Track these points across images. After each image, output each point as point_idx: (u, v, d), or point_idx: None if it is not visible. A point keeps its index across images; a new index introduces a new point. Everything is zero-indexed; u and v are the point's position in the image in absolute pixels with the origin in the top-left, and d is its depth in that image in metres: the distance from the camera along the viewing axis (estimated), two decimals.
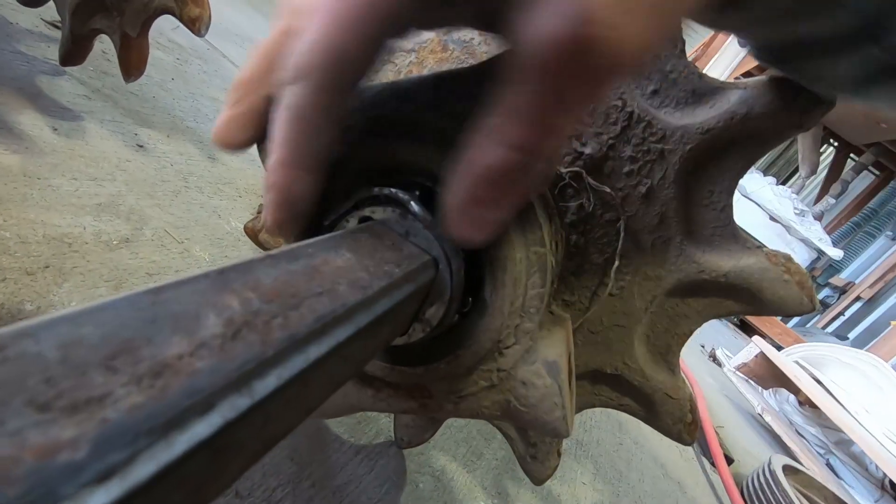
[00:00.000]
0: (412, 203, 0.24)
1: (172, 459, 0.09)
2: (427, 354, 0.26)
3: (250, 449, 0.12)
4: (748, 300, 0.34)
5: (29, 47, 0.71)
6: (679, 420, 0.37)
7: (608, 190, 0.34)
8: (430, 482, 0.47)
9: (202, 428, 0.10)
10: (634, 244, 0.35)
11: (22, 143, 0.52)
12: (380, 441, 0.48)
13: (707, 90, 0.33)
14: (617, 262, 0.35)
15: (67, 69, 0.70)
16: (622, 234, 0.34)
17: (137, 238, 0.51)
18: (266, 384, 0.12)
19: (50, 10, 0.67)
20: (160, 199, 0.59)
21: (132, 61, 0.65)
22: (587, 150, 0.34)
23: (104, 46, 0.82)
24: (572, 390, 0.27)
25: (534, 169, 0.18)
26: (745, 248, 0.34)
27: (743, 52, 2.79)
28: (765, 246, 0.34)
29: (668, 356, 0.37)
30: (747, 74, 3.18)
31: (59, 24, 0.78)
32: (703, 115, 0.33)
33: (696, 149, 0.33)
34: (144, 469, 0.09)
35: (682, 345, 0.37)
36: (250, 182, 0.77)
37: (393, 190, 0.26)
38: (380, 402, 0.28)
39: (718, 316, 0.36)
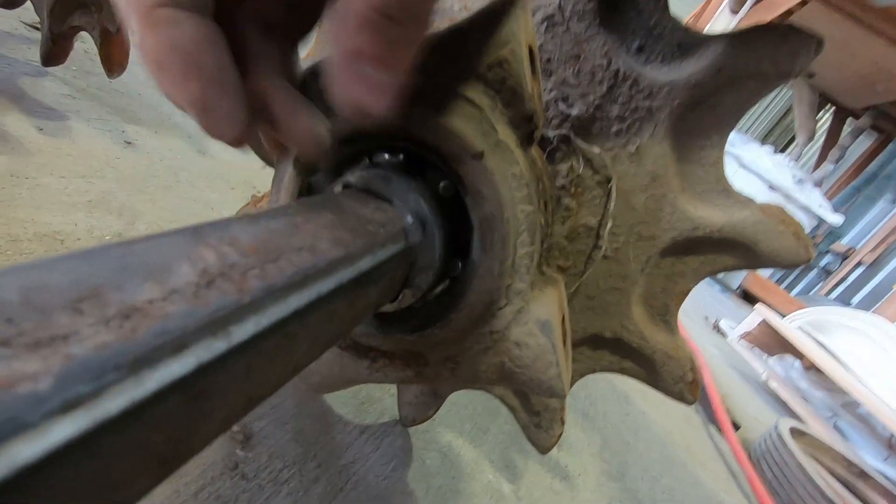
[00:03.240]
0: (396, 167, 0.24)
1: (143, 397, 0.09)
2: (421, 321, 0.26)
3: (233, 399, 0.12)
4: (744, 254, 0.34)
5: (10, 50, 0.71)
6: (680, 379, 0.37)
7: (597, 151, 0.34)
8: (437, 458, 0.48)
9: (175, 368, 0.10)
10: (627, 204, 0.35)
11: (7, 145, 0.51)
12: (385, 420, 0.48)
13: (693, 43, 0.32)
14: (610, 223, 0.35)
15: (50, 70, 0.69)
16: (613, 195, 0.34)
17: (130, 232, 0.51)
18: (244, 329, 0.12)
19: (29, 12, 0.66)
20: (152, 193, 0.59)
21: (114, 57, 0.65)
22: (574, 112, 0.34)
23: (86, 46, 0.81)
24: (567, 350, 0.27)
25: (410, 19, 0.17)
26: (737, 202, 0.33)
27: (735, 20, 2.76)
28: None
29: (666, 316, 0.37)
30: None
31: (39, 26, 0.77)
32: (690, 69, 0.32)
33: (685, 103, 0.32)
34: (113, 403, 0.08)
35: (680, 304, 0.37)
36: (242, 175, 0.76)
37: (377, 155, 0.25)
38: (376, 373, 0.28)
39: (714, 272, 0.36)
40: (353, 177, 0.23)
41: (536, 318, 0.25)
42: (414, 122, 0.23)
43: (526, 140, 0.24)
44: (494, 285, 0.24)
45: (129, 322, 0.10)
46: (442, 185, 0.24)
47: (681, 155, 0.34)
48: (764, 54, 0.30)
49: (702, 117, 0.33)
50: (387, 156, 0.25)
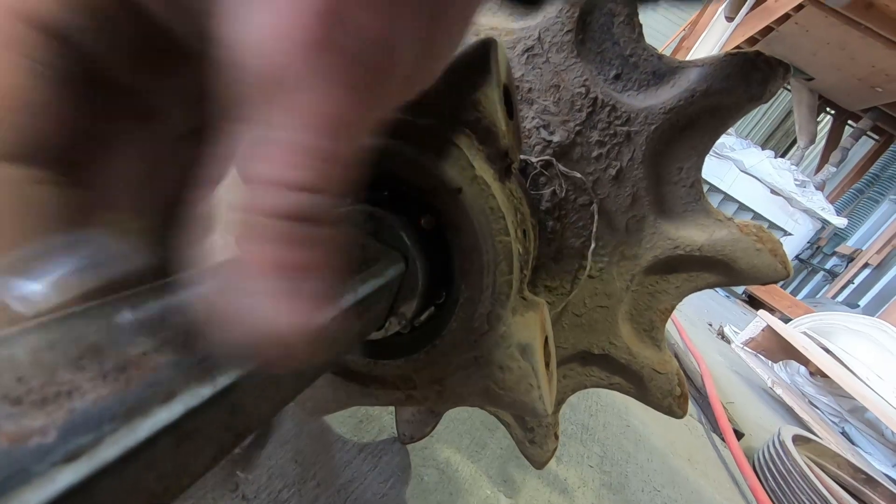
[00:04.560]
0: (380, 203, 0.25)
1: (137, 443, 0.10)
2: (408, 347, 0.27)
3: (221, 437, 0.13)
4: (724, 271, 0.35)
5: None
6: (668, 394, 0.38)
7: (578, 175, 0.35)
8: (435, 474, 0.49)
9: (164, 414, 0.11)
10: (609, 226, 0.36)
11: None
12: (383, 438, 0.49)
13: (667, 70, 0.34)
14: (593, 244, 0.36)
15: None
16: (595, 217, 0.35)
17: None
18: (228, 375, 0.13)
19: None
20: None
21: None
22: (555, 139, 0.35)
23: None
24: (552, 371, 0.28)
25: (331, 204, 0.12)
26: (716, 221, 0.35)
27: (730, 28, 2.78)
28: (734, 219, 0.34)
29: (652, 332, 0.38)
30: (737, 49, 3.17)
31: None
32: (665, 95, 0.33)
33: (661, 128, 0.33)
34: (110, 451, 0.10)
35: (665, 320, 0.38)
36: None
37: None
38: (367, 397, 0.29)
39: (697, 289, 0.37)
40: None
41: (518, 342, 0.26)
42: (395, 161, 0.24)
43: (503, 173, 0.25)
44: (476, 312, 0.25)
45: (125, 375, 0.11)
46: (423, 219, 0.25)
47: (660, 177, 0.35)
48: (736, 81, 0.32)
49: (679, 141, 0.34)
50: (369, 191, 0.26)
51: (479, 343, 0.26)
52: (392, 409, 0.52)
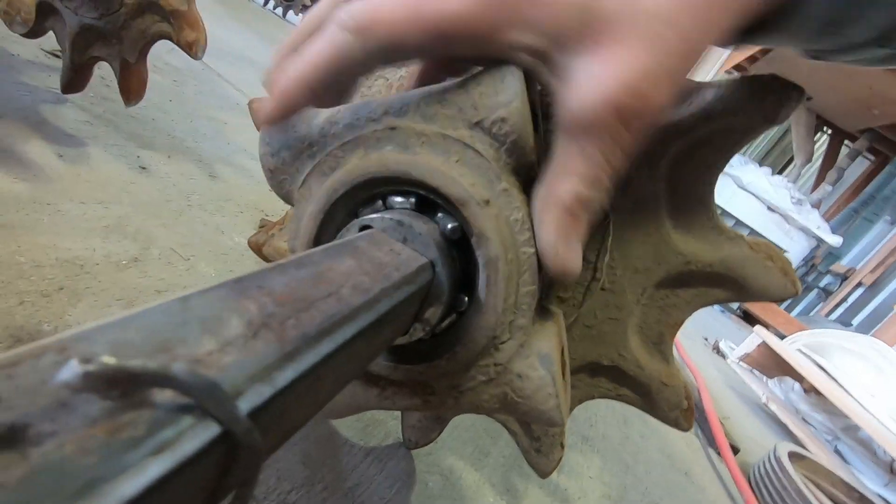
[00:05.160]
0: (408, 210, 0.26)
1: (210, 438, 0.11)
2: (429, 352, 0.28)
3: (270, 439, 0.14)
4: (734, 288, 0.36)
5: (31, 77, 0.74)
6: (675, 406, 0.39)
7: None
8: (439, 481, 0.49)
9: (235, 412, 0.11)
10: (623, 239, 0.37)
11: (30, 171, 0.54)
12: (388, 443, 0.49)
13: (683, 89, 0.35)
14: (607, 258, 0.36)
15: (69, 97, 0.72)
16: (610, 230, 0.36)
17: (145, 257, 0.52)
18: (285, 376, 0.13)
19: (50, 40, 0.69)
20: (165, 218, 0.61)
21: (132, 86, 0.67)
22: None
23: (103, 73, 0.84)
24: (566, 381, 0.29)
25: (598, 199, 0.23)
26: (728, 239, 0.35)
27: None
28: (744, 235, 0.35)
29: (661, 346, 0.39)
30: (738, 68, 3.21)
31: (59, 54, 0.80)
32: (682, 114, 0.34)
33: (676, 146, 0.34)
34: (189, 445, 0.10)
35: (675, 334, 0.39)
36: (251, 198, 0.79)
37: (391, 198, 0.27)
38: (385, 400, 0.30)
39: (707, 304, 0.37)
40: (368, 219, 0.25)
41: (537, 352, 0.26)
42: (425, 171, 0.25)
43: (528, 185, 0.26)
44: (498, 321, 0.26)
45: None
46: (450, 227, 0.26)
47: (674, 193, 0.36)
48: (751, 103, 0.33)
49: (692, 159, 0.35)
50: (399, 199, 0.27)
51: (500, 351, 0.27)
52: (398, 414, 0.52)
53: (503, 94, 0.24)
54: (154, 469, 0.09)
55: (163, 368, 0.10)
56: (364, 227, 0.26)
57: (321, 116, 0.28)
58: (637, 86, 0.20)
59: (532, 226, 0.25)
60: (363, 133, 0.27)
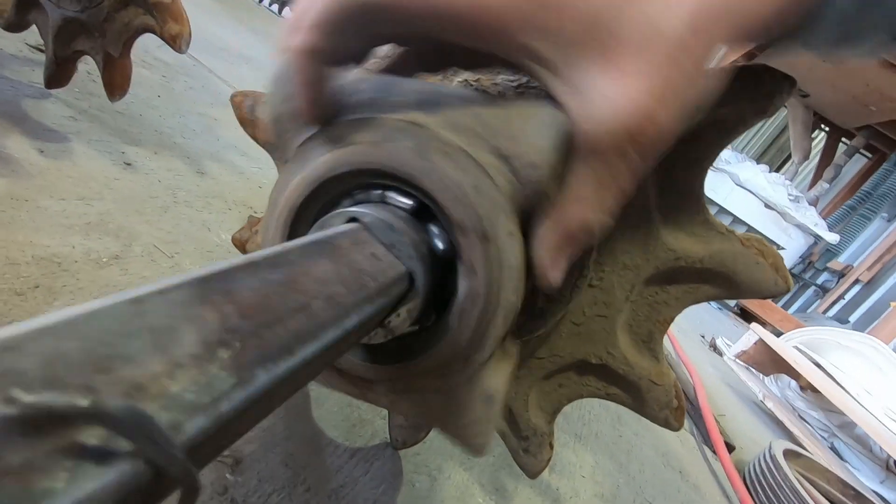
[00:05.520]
0: (403, 214, 0.25)
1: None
2: (380, 356, 0.27)
3: (207, 459, 0.13)
4: (724, 284, 0.35)
5: (13, 72, 0.72)
6: (665, 406, 0.38)
7: None
8: (427, 482, 0.48)
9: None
10: (611, 235, 0.36)
11: (9, 167, 0.52)
12: (375, 443, 0.48)
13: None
14: (595, 254, 0.35)
15: (53, 91, 0.70)
16: None
17: (127, 255, 0.51)
18: (234, 405, 0.12)
19: (33, 35, 0.68)
20: (149, 215, 0.60)
21: (116, 81, 0.66)
22: None
23: (89, 67, 0.83)
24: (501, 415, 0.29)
25: (602, 223, 0.23)
26: (718, 234, 0.34)
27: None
28: (735, 231, 0.34)
29: (650, 343, 0.38)
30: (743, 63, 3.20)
31: (43, 48, 0.78)
32: None
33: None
34: (118, 491, 0.09)
35: (664, 332, 0.38)
36: (239, 195, 0.77)
37: (389, 194, 0.26)
38: (327, 380, 0.29)
39: (697, 301, 0.36)
40: (359, 212, 0.24)
41: (484, 390, 0.27)
42: (437, 185, 0.24)
43: (528, 227, 0.25)
44: (457, 352, 0.25)
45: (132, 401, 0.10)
46: (441, 247, 0.25)
47: (663, 188, 0.35)
48: (742, 95, 0.32)
49: (683, 153, 0.34)
50: (399, 198, 0.25)
51: (448, 377, 0.26)
52: (385, 413, 0.51)
53: (543, 140, 0.24)
54: None
55: (94, 406, 0.09)
56: (354, 220, 0.24)
57: (344, 79, 0.27)
58: (651, 111, 0.20)
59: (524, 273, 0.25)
60: (382, 117, 0.25)
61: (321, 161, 0.25)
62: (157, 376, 0.11)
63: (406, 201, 0.25)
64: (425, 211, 0.25)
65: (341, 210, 0.25)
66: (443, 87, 0.27)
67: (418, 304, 0.24)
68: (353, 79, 0.27)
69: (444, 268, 0.25)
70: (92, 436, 0.09)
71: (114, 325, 0.11)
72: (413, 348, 0.26)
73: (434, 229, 0.25)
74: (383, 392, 0.29)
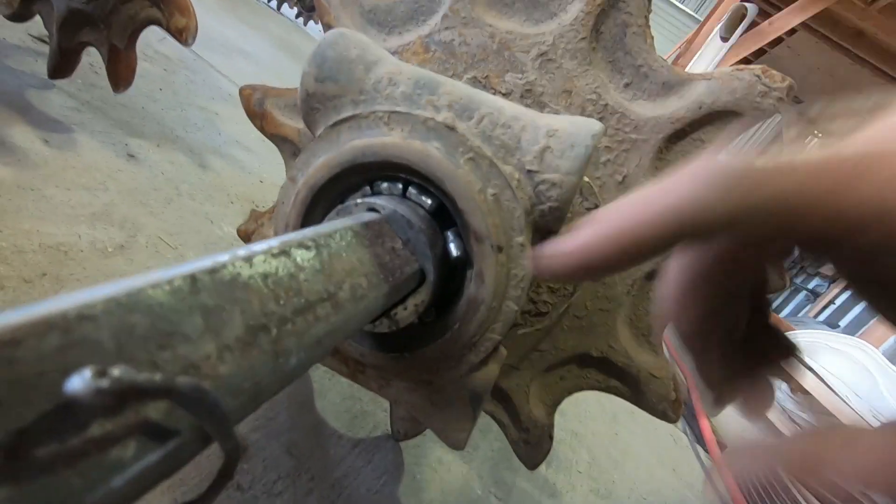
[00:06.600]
0: (423, 212, 0.26)
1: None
2: (379, 344, 0.28)
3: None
4: None
5: (17, 62, 0.72)
6: (664, 398, 0.39)
7: (587, 179, 0.36)
8: (428, 473, 0.49)
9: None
10: None
11: (14, 156, 0.53)
12: (377, 435, 0.49)
13: (676, 82, 0.35)
14: None
15: (56, 82, 0.70)
16: None
17: (132, 245, 0.52)
18: (266, 388, 0.14)
19: (37, 25, 0.68)
20: (153, 206, 0.60)
21: (121, 73, 0.66)
22: None
23: (92, 59, 0.83)
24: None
25: None
26: None
27: (725, 48, 2.84)
28: None
29: (650, 337, 0.39)
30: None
31: (47, 39, 0.78)
32: (674, 106, 0.34)
33: (668, 137, 0.34)
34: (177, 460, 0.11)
35: (665, 326, 0.38)
36: (241, 189, 0.78)
37: (412, 190, 0.27)
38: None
39: None
40: (379, 204, 0.25)
41: (472, 388, 0.28)
42: (461, 191, 0.24)
43: (538, 241, 0.26)
44: (452, 351, 0.27)
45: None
46: (455, 249, 0.26)
47: None
48: (741, 94, 0.33)
49: (684, 149, 0.35)
50: (422, 197, 0.26)
51: (439, 373, 0.27)
52: (387, 405, 0.52)
53: (569, 162, 0.24)
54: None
55: (166, 383, 0.10)
56: (373, 210, 0.25)
57: (382, 68, 0.27)
58: None
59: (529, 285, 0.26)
60: (416, 113, 0.26)
61: (349, 146, 0.26)
62: (208, 356, 0.12)
63: (427, 200, 0.26)
64: (443, 212, 0.26)
65: (363, 199, 0.25)
66: (481, 93, 0.27)
67: (426, 301, 0.25)
68: (390, 69, 0.27)
69: (453, 268, 0.26)
70: (156, 409, 0.10)
71: (173, 300, 0.11)
72: (410, 340, 0.27)
73: (451, 237, 0.27)
74: (374, 377, 0.30)
